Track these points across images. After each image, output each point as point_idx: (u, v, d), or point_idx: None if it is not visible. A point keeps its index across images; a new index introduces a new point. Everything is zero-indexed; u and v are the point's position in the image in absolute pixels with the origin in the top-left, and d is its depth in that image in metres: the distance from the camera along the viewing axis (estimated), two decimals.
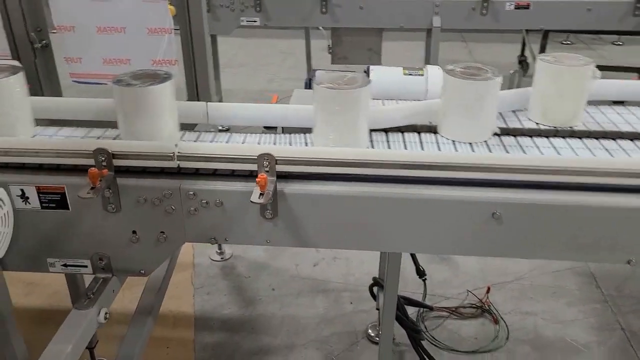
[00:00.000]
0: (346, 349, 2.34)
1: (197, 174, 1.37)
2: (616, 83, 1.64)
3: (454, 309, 2.52)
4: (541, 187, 1.29)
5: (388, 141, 1.46)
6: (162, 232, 1.39)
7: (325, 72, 1.47)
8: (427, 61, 4.13)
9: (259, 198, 1.24)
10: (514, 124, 1.52)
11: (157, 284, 1.89)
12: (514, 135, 1.47)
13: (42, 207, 1.37)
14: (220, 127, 1.61)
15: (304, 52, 4.47)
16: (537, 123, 1.51)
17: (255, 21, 3.72)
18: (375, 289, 2.37)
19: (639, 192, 1.27)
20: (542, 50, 4.96)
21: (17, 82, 1.42)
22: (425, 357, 2.16)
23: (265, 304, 2.59)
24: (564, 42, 7.08)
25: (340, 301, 2.61)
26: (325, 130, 1.37)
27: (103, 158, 1.31)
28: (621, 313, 2.55)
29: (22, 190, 1.36)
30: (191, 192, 1.34)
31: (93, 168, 1.27)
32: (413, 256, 2.36)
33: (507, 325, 2.45)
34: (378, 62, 3.97)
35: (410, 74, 1.84)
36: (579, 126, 1.50)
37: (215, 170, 1.36)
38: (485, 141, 1.44)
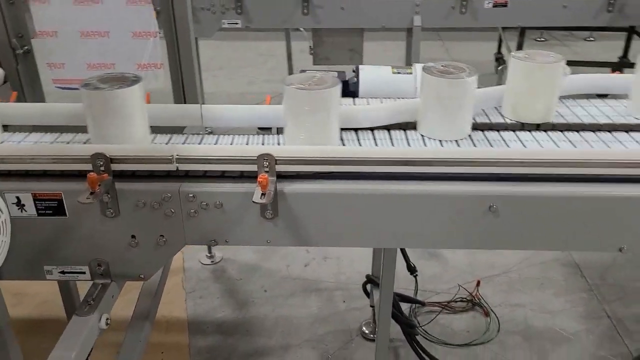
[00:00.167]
0: (341, 347, 2.36)
1: (196, 176, 1.37)
2: (589, 77, 1.67)
3: (445, 304, 2.56)
4: (536, 179, 1.33)
5: (375, 139, 1.47)
6: (161, 235, 1.39)
7: (300, 73, 1.47)
8: (408, 60, 4.17)
9: (261, 198, 1.24)
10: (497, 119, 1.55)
11: (152, 289, 1.88)
12: (497, 130, 1.51)
13: (39, 214, 1.36)
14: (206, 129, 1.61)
15: (284, 54, 4.47)
16: (509, 120, 1.53)
17: (236, 23, 3.71)
18: (368, 286, 2.39)
19: (628, 182, 1.32)
20: (519, 47, 5.05)
21: None
22: (420, 352, 2.18)
23: (258, 306, 2.59)
24: (538, 39, 7.22)
25: (333, 300, 2.63)
26: (295, 131, 1.38)
27: (101, 162, 1.30)
28: (606, 301, 2.61)
29: (17, 197, 1.34)
30: (191, 195, 1.34)
31: (92, 173, 1.26)
32: (404, 253, 2.39)
33: (497, 318, 2.50)
34: (360, 62, 3.99)
35: (399, 73, 1.86)
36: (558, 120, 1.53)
37: (209, 171, 1.36)
38: (470, 136, 1.47)
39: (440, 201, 1.32)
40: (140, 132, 1.41)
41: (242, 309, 2.57)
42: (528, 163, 1.30)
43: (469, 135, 1.47)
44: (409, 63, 4.07)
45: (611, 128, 1.50)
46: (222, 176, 1.36)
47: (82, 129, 1.46)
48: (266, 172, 1.31)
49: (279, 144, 1.45)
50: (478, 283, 2.60)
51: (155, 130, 1.55)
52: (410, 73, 1.83)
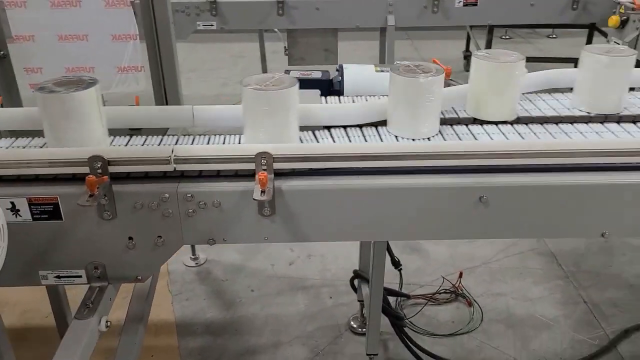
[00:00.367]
0: (331, 342, 2.39)
1: (193, 176, 1.38)
2: (541, 74, 1.71)
3: (430, 296, 2.62)
4: (522, 170, 1.39)
5: (364, 135, 1.51)
6: (159, 236, 1.40)
7: (255, 76, 1.46)
8: (382, 59, 4.24)
9: (261, 195, 1.27)
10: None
11: (142, 292, 1.88)
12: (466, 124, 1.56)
13: (34, 219, 1.35)
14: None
15: (255, 55, 4.48)
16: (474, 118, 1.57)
17: (211, 25, 3.71)
18: (355, 281, 2.43)
19: (608, 170, 1.39)
20: (489, 45, 5.19)
21: None
22: (408, 343, 2.23)
23: (246, 306, 2.60)
24: (503, 37, 7.41)
25: (320, 297, 2.66)
26: (254, 131, 1.40)
27: (98, 165, 1.30)
28: (582, 287, 2.72)
29: (12, 202, 1.33)
30: (189, 195, 1.35)
31: (91, 175, 1.26)
32: (388, 248, 2.44)
33: (480, 307, 2.57)
34: (335, 62, 4.04)
35: (382, 71, 1.91)
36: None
37: (206, 171, 1.37)
38: (440, 132, 1.51)
39: (433, 193, 1.37)
40: (98, 135, 1.40)
41: (230, 309, 2.58)
42: (516, 154, 1.36)
43: (439, 131, 1.51)
44: (382, 62, 4.14)
45: (558, 120, 1.57)
46: (219, 175, 1.38)
47: (39, 133, 1.44)
48: (264, 169, 1.33)
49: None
50: (460, 274, 2.67)
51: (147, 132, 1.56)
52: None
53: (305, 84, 2.13)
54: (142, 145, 1.47)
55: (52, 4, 2.31)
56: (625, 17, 3.27)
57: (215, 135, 1.52)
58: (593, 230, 1.44)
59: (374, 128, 1.54)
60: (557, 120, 1.57)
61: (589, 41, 5.21)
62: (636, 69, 1.61)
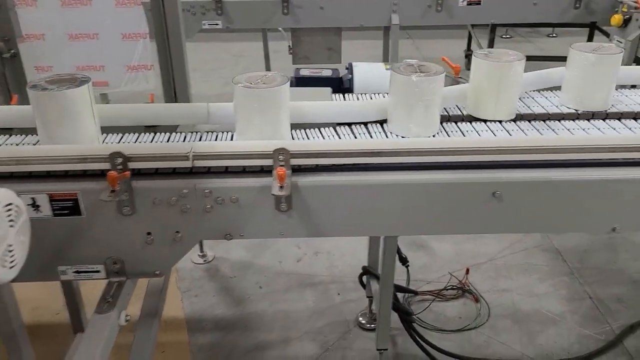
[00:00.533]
0: (340, 337, 2.41)
1: (211, 172, 1.40)
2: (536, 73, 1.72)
3: (437, 292, 2.64)
4: (536, 165, 1.41)
5: (369, 132, 1.53)
6: (177, 231, 1.42)
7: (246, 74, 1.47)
8: (386, 58, 4.26)
9: (279, 190, 1.29)
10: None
11: (156, 288, 1.90)
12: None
13: (55, 215, 1.37)
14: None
15: (256, 54, 4.49)
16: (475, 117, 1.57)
17: (217, 24, 3.72)
18: (364, 278, 2.45)
19: (620, 166, 1.41)
20: (491, 44, 5.21)
21: None
22: (417, 338, 2.26)
23: (255, 302, 2.62)
24: (504, 36, 7.43)
25: (328, 293, 2.68)
26: (245, 129, 1.41)
27: (119, 161, 1.32)
28: (587, 283, 2.75)
29: (33, 198, 1.35)
30: (207, 190, 1.37)
31: (112, 171, 1.28)
32: None
33: (487, 303, 2.60)
34: (338, 61, 4.06)
35: (391, 69, 1.93)
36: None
37: (227, 167, 1.39)
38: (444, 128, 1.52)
39: (448, 189, 1.39)
40: (90, 133, 1.41)
41: (239, 306, 2.60)
42: (530, 150, 1.38)
43: (443, 129, 1.52)
44: (386, 60, 4.16)
45: (547, 117, 1.58)
46: (237, 171, 1.40)
47: (32, 131, 1.45)
48: (281, 165, 1.35)
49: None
50: (467, 271, 2.69)
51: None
52: None
53: (315, 81, 2.16)
54: (151, 142, 1.48)
55: (62, 3, 2.33)
56: (628, 16, 3.30)
57: (222, 132, 1.54)
58: (604, 224, 1.46)
59: (379, 125, 1.56)
60: (546, 117, 1.58)
61: (590, 40, 5.25)
62: (625, 67, 1.63)
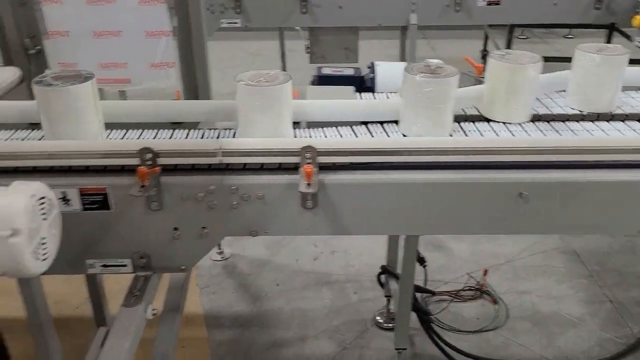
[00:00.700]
0: (357, 336, 2.42)
1: (237, 169, 1.41)
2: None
3: (454, 293, 2.64)
4: (562, 166, 1.40)
5: (386, 132, 1.50)
6: (203, 227, 1.43)
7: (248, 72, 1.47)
8: (403, 58, 4.26)
9: (307, 188, 1.30)
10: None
11: (178, 283, 1.91)
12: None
13: (84, 209, 1.39)
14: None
15: (272, 53, 4.50)
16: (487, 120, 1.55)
17: (235, 23, 3.74)
18: (382, 277, 2.45)
19: None
20: (509, 44, 5.18)
21: None
22: (436, 338, 2.26)
23: (272, 299, 2.63)
24: (520, 37, 7.38)
25: (345, 292, 2.69)
26: (248, 127, 1.41)
27: (149, 157, 1.34)
28: (607, 286, 2.73)
29: (63, 192, 1.37)
30: (233, 187, 1.38)
31: (142, 167, 1.30)
32: None
33: (505, 305, 2.59)
34: (355, 61, 4.06)
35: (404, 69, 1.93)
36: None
37: (254, 164, 1.40)
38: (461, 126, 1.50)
39: (474, 188, 1.39)
40: (93, 129, 1.41)
41: (257, 303, 2.61)
42: (560, 151, 1.38)
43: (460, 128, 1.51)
44: (403, 60, 4.15)
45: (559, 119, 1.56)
46: (263, 168, 1.41)
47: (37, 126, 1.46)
48: (309, 163, 1.36)
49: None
50: (485, 272, 2.68)
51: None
52: None
53: (337, 80, 2.16)
54: (169, 138, 1.48)
55: (87, 1, 2.36)
56: None
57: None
58: (630, 227, 1.45)
59: (395, 124, 1.54)
60: (561, 119, 1.56)
61: (608, 42, 5.20)
62: (631, 67, 1.59)
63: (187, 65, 2.46)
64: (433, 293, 2.62)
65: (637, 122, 1.56)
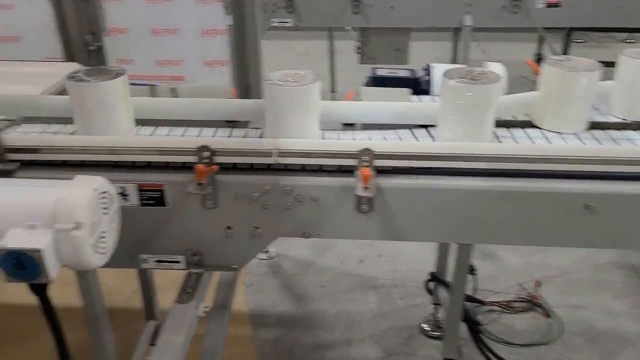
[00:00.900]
0: (403, 343, 2.37)
1: (293, 169, 1.40)
2: None
3: (505, 304, 2.55)
4: (630, 177, 1.33)
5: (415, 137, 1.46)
6: (256, 227, 1.42)
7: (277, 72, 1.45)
8: (455, 60, 4.17)
9: (363, 191, 1.27)
10: None
11: (228, 280, 1.93)
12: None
13: (142, 204, 1.40)
14: None
15: (319, 53, 4.48)
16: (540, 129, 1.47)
17: (287, 22, 3.75)
18: (430, 284, 2.40)
19: None
20: (566, 48, 5.01)
21: None
22: (485, 350, 2.19)
23: (317, 301, 2.62)
24: (577, 41, 7.12)
25: (391, 297, 2.65)
26: (276, 126, 1.39)
27: (207, 155, 1.34)
28: None
29: (122, 187, 1.39)
30: (288, 188, 1.37)
31: (200, 165, 1.30)
32: None
33: (558, 318, 2.49)
34: (404, 62, 4.00)
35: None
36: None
37: (310, 165, 1.38)
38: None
39: (538, 198, 1.33)
40: (123, 125, 1.43)
41: (301, 303, 2.60)
42: (624, 161, 1.31)
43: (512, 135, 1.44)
44: (454, 62, 4.07)
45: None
46: (320, 170, 1.39)
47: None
48: (366, 166, 1.33)
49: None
50: (538, 284, 2.59)
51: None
52: None
53: (391, 82, 2.12)
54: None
55: None
56: None
57: None
58: None
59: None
60: (620, 127, 1.46)
61: None
62: None
63: (240, 64, 2.47)
64: (482, 303, 2.55)
65: None
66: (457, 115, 1.37)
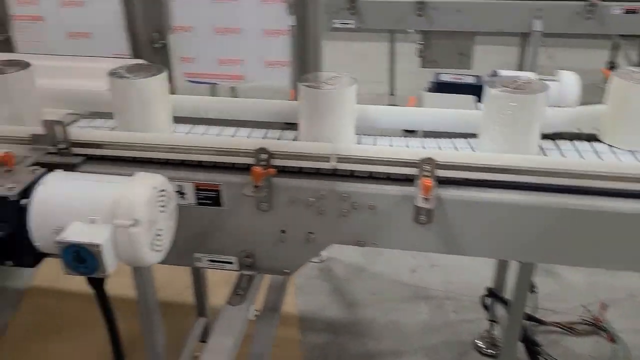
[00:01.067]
0: (455, 358, 2.29)
1: (351, 175, 1.36)
2: None
3: (566, 325, 2.42)
4: None
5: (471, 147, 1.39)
6: (310, 232, 1.40)
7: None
8: (521, 67, 4.02)
9: (423, 202, 1.22)
10: None
11: (279, 283, 1.91)
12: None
13: (198, 204, 1.41)
14: None
15: (378, 55, 4.41)
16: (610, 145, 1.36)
17: (349, 23, 3.72)
18: (487, 299, 2.30)
19: None
20: None
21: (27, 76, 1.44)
22: None
23: (366, 308, 2.58)
24: None
25: (443, 309, 2.57)
26: (309, 129, 1.36)
27: (265, 157, 1.33)
28: None
29: (180, 186, 1.40)
30: (344, 194, 1.33)
31: (257, 167, 1.29)
32: None
33: (624, 344, 2.33)
34: (468, 67, 3.89)
35: (542, 80, 1.78)
36: None
37: (371, 173, 1.35)
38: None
39: (609, 218, 1.24)
40: (161, 122, 1.43)
41: (351, 309, 2.56)
42: None
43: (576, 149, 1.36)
44: (521, 69, 3.91)
45: None
46: (378, 177, 1.35)
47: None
48: (426, 176, 1.28)
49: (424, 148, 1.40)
50: (603, 306, 2.44)
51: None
52: (556, 80, 1.74)
53: (456, 88, 2.04)
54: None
55: None
56: None
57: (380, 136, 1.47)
58: None
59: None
60: None
61: None
62: None
63: (301, 65, 2.46)
64: (542, 323, 2.42)
65: None
66: (500, 127, 1.30)
